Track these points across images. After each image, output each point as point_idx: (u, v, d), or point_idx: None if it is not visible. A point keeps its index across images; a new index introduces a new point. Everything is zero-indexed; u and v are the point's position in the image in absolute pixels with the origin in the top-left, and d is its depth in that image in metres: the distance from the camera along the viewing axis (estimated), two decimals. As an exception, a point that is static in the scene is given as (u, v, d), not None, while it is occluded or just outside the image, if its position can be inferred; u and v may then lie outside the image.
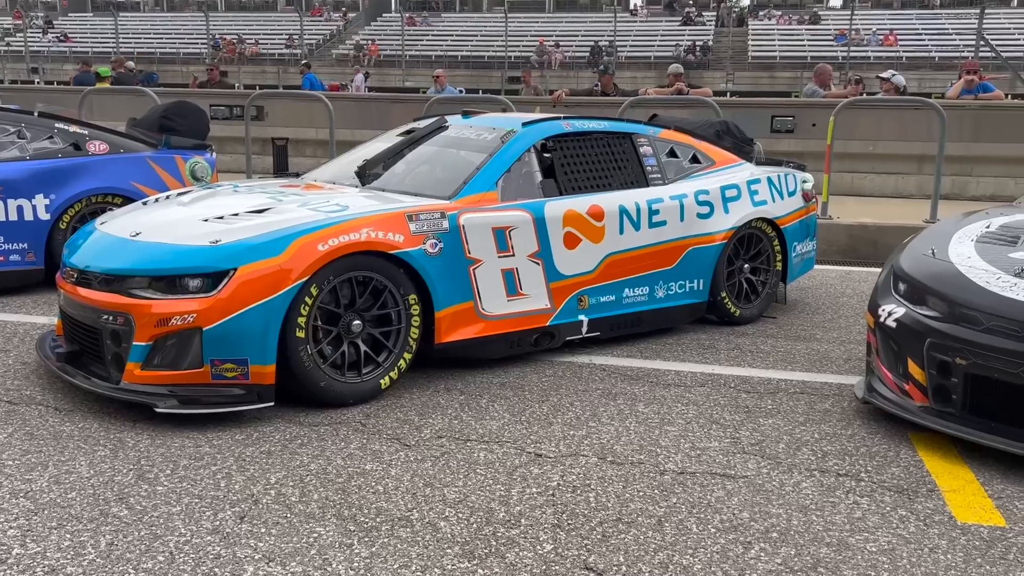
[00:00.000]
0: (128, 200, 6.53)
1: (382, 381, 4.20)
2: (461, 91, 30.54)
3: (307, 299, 3.93)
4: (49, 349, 4.51)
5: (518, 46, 40.08)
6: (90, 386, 4.01)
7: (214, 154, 7.18)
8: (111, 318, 3.92)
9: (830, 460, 3.62)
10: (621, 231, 5.08)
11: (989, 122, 10.08)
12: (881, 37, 38.47)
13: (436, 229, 4.35)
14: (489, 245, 4.55)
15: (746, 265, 5.77)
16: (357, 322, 4.13)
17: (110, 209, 6.45)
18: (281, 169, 7.80)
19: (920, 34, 39.21)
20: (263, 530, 2.96)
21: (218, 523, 2.99)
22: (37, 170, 6.29)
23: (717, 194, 5.55)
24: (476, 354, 4.62)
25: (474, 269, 4.50)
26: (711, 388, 4.49)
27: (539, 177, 4.92)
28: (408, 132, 5.48)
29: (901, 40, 38.31)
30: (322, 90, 20.13)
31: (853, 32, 37.86)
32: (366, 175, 5.01)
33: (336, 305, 4.08)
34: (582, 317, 4.95)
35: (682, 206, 5.35)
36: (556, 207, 4.82)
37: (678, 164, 5.61)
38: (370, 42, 43.01)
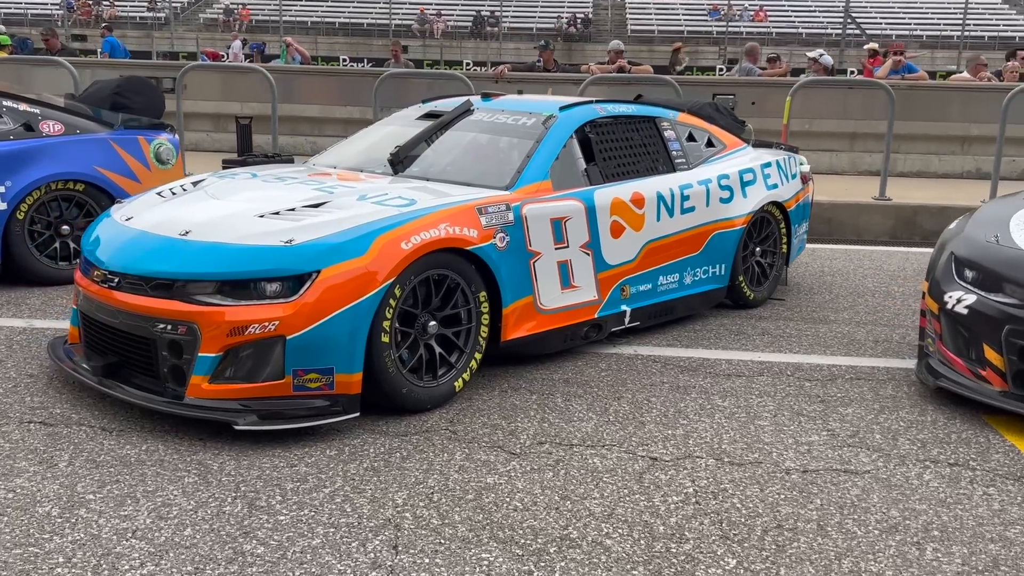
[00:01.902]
0: (92, 186, 6.00)
1: (456, 383, 3.99)
2: (345, 59, 29.46)
3: (391, 301, 3.66)
4: (67, 357, 4.07)
5: (398, 13, 39.23)
6: (144, 402, 3.62)
7: (175, 134, 6.66)
8: (169, 327, 3.54)
9: (931, 449, 3.67)
10: (658, 218, 4.99)
11: (914, 101, 10.50)
12: (752, 13, 39.73)
13: (503, 222, 4.14)
14: (547, 237, 4.37)
15: (757, 248, 5.80)
16: (433, 323, 3.89)
17: (74, 197, 5.90)
18: (246, 149, 7.27)
19: (787, 11, 40.73)
20: (427, 560, 2.73)
21: (373, 555, 2.75)
22: (-9, 154, 5.65)
23: (736, 178, 5.53)
24: (534, 350, 4.45)
25: (534, 262, 4.31)
26: (771, 377, 4.48)
27: (582, 164, 4.76)
28: (428, 116, 5.19)
29: (771, 16, 39.69)
30: (125, 56, 17.55)
31: (725, 7, 38.98)
32: (400, 163, 4.72)
33: (414, 306, 3.83)
34: (624, 307, 4.85)
35: (708, 191, 5.31)
36: (604, 195, 4.69)
37: (697, 148, 5.56)
38: (240, 6, 41.15)
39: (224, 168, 7.22)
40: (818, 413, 4.02)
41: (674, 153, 5.34)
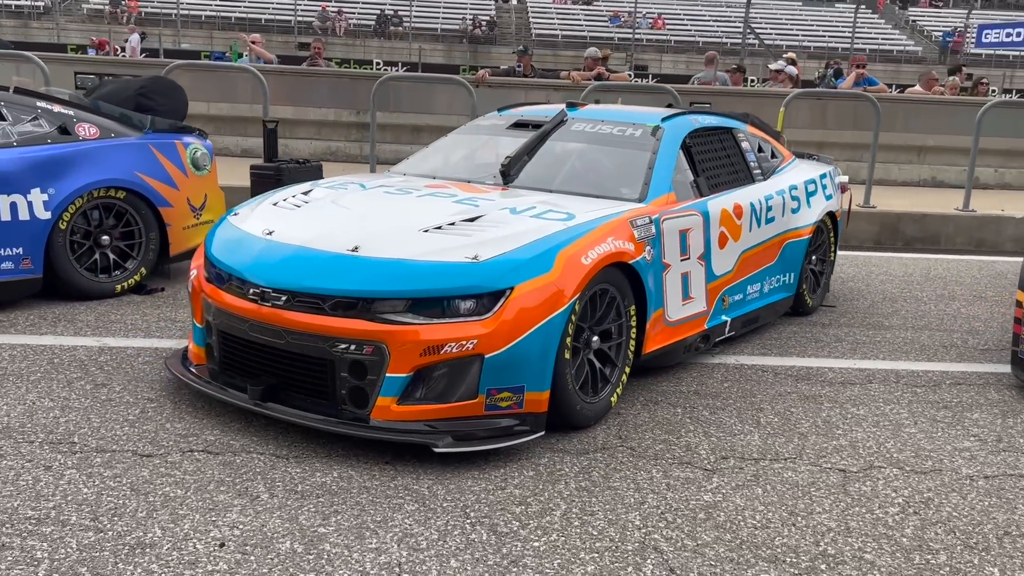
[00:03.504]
0: (133, 194, 5.64)
1: (612, 398, 3.95)
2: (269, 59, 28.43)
3: (572, 317, 3.60)
4: (200, 378, 3.83)
5: (296, 9, 38.27)
6: (324, 426, 3.43)
7: (207, 138, 6.33)
8: (353, 347, 3.37)
9: (1077, 452, 3.88)
10: (750, 228, 5.08)
11: (873, 113, 10.99)
12: (651, 20, 40.67)
13: (648, 235, 4.13)
14: (676, 249, 4.38)
15: (813, 256, 5.97)
16: (596, 338, 3.85)
17: (114, 206, 5.53)
18: (272, 155, 6.95)
19: (684, 20, 41.90)
20: (714, 584, 2.71)
21: (658, 581, 2.71)
22: (32, 159, 5.25)
23: (802, 189, 5.68)
24: (660, 363, 4.46)
25: (666, 275, 4.32)
26: (880, 384, 4.62)
27: (690, 175, 4.80)
28: (517, 125, 5.11)
29: (668, 24, 40.74)
30: None
31: (626, 14, 39.80)
32: (510, 173, 4.63)
33: (581, 320, 3.77)
34: (725, 317, 4.90)
35: (784, 201, 5.43)
36: (715, 206, 4.73)
37: (766, 159, 5.68)
38: (128, -3, 39.26)
39: (252, 174, 6.92)
40: (952, 419, 4.18)
41: (752, 164, 5.43)
